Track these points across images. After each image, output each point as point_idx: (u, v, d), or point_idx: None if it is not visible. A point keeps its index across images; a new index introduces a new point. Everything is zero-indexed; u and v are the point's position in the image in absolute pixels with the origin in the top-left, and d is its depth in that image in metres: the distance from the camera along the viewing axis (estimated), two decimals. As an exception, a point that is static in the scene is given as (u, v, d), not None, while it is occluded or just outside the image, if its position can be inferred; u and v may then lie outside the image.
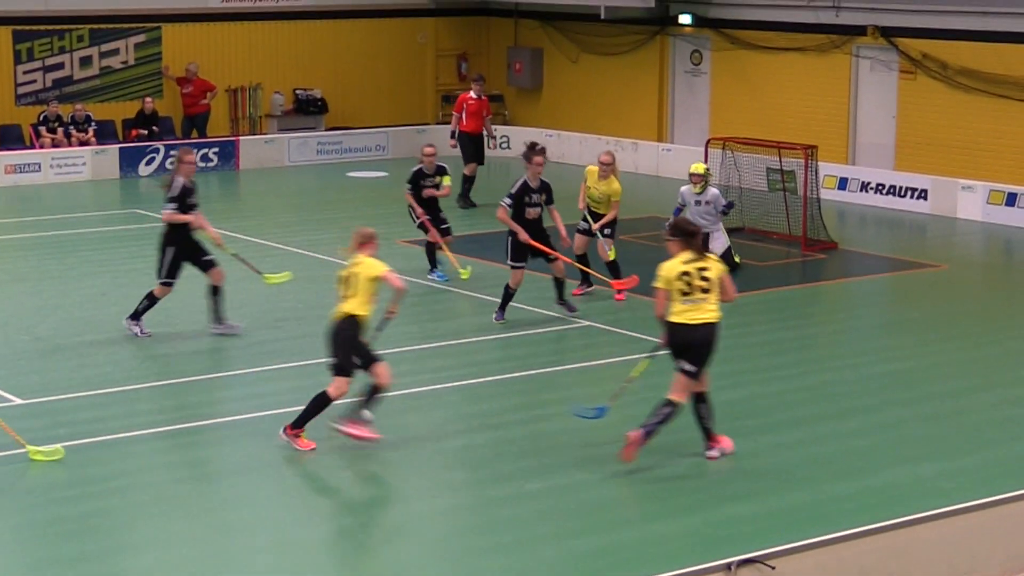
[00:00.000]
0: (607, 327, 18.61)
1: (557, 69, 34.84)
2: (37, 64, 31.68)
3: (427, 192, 21.52)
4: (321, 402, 14.03)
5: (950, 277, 22.40)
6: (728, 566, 11.28)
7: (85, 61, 32.18)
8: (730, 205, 21.90)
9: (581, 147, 32.40)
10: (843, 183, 28.73)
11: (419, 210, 21.36)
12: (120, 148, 31.20)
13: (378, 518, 12.70)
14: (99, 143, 31.22)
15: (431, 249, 21.57)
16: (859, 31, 29.11)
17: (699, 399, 13.81)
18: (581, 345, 17.47)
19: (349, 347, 14.05)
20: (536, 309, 19.36)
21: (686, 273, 13.46)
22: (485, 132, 27.92)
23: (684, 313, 13.45)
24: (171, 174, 18.94)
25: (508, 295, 18.70)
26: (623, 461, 13.44)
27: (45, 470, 13.57)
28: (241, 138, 32.75)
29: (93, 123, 31.41)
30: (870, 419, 15.15)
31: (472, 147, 28.21)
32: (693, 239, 13.64)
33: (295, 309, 19.57)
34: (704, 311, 13.49)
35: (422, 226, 21.45)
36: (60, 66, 31.94)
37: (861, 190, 28.53)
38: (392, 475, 13.69)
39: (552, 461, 13.92)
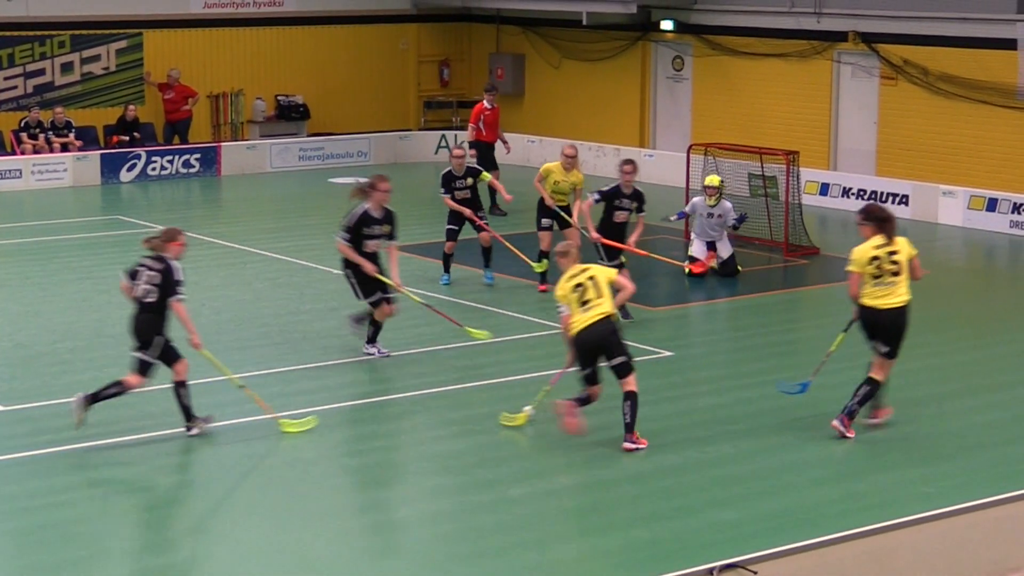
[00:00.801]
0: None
1: (539, 75, 34.87)
2: (18, 70, 31.62)
3: (459, 196, 21.33)
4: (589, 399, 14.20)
5: (931, 283, 22.39)
6: (711, 571, 11.30)
7: (66, 67, 32.13)
8: (742, 219, 22.19)
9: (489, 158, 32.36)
10: (824, 188, 28.79)
11: (467, 211, 21.21)
12: (101, 154, 31.15)
13: (360, 525, 12.68)
14: (81, 148, 31.15)
15: (463, 251, 21.81)
16: (840, 37, 29.17)
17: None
18: (563, 351, 17.41)
19: (620, 340, 14.12)
20: (517, 315, 19.36)
21: (876, 258, 14.23)
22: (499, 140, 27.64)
23: (875, 297, 14.29)
24: (357, 196, 17.25)
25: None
26: (844, 438, 14.34)
27: (23, 479, 13.53)
28: (223, 144, 32.72)
29: (73, 129, 31.34)
30: (852, 424, 15.14)
31: (493, 156, 28.06)
32: (886, 224, 14.33)
33: (278, 316, 19.55)
34: (894, 295, 14.36)
35: (477, 228, 21.37)
36: (41, 72, 31.88)
37: (842, 195, 28.59)
38: (374, 481, 13.68)
39: (535, 467, 13.92)
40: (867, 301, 14.33)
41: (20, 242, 24.59)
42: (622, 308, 16.53)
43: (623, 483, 13.44)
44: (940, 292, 21.82)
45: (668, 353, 17.63)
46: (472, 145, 27.71)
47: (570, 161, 21.11)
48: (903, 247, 14.38)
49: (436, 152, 34.67)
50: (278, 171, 32.83)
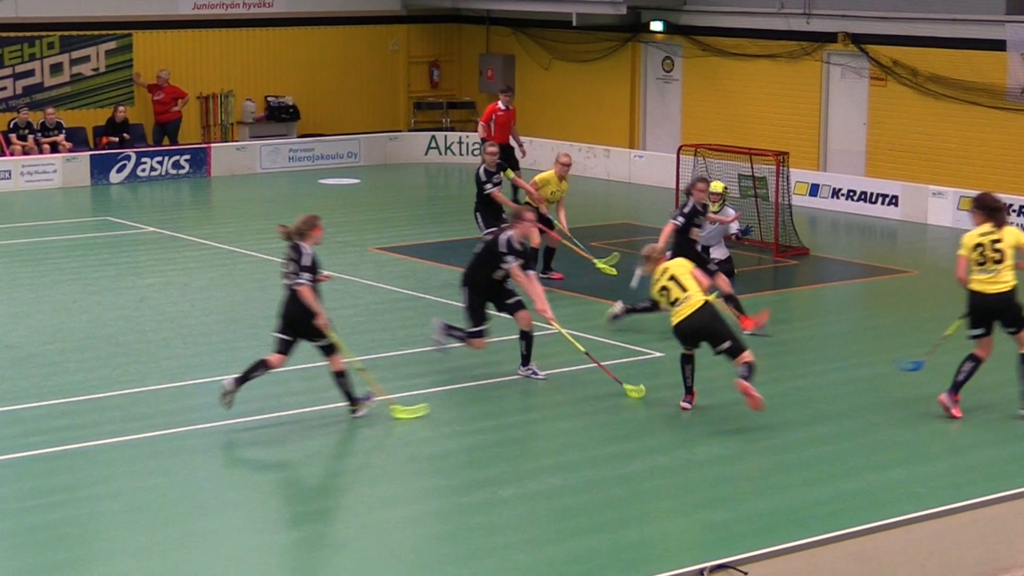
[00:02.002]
0: (579, 334, 18.61)
1: (529, 76, 34.86)
2: (7, 71, 31.58)
3: (488, 192, 21.33)
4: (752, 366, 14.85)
5: (921, 283, 22.47)
6: (701, 572, 11.30)
7: (56, 68, 32.08)
8: (746, 231, 21.95)
9: (553, 154, 32.32)
10: (814, 189, 28.81)
11: (511, 205, 21.22)
12: (91, 155, 31.11)
13: (349, 526, 12.67)
14: (70, 149, 31.12)
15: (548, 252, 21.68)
16: (830, 38, 29.20)
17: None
18: (553, 352, 17.44)
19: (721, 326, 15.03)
20: (507, 316, 19.33)
21: (980, 245, 15.04)
22: (514, 142, 27.48)
23: (980, 282, 15.14)
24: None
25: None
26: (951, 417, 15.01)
27: (13, 480, 13.52)
28: (213, 145, 32.68)
29: (63, 130, 31.32)
30: (842, 425, 15.19)
31: (503, 158, 27.94)
32: (995, 213, 15.18)
33: (268, 317, 19.50)
34: (998, 281, 15.07)
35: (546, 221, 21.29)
36: (31, 73, 31.83)
37: (832, 196, 28.62)
38: (364, 482, 13.67)
39: (525, 467, 13.93)
40: (975, 286, 15.27)
41: (9, 243, 24.56)
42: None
43: (613, 484, 13.44)
44: (929, 293, 21.85)
45: (658, 354, 17.63)
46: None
47: (565, 169, 21.53)
48: (1008, 236, 15.10)
49: (426, 153, 34.67)
50: (268, 172, 32.81)
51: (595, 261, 21.52)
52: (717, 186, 21.86)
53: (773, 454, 14.29)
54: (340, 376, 15.09)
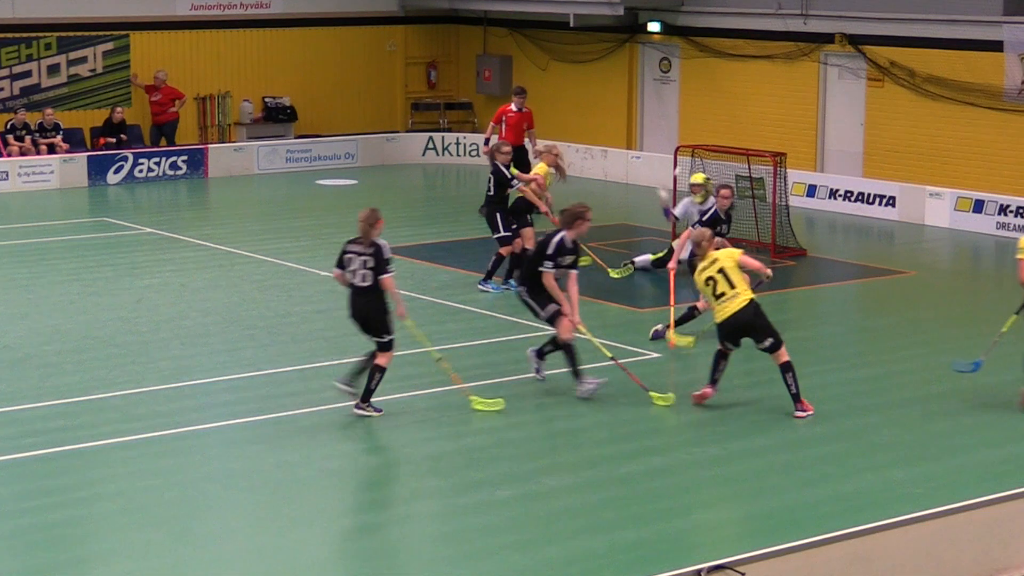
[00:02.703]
0: (577, 335, 18.61)
1: (526, 77, 34.81)
2: (4, 72, 31.56)
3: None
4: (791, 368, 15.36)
5: (918, 284, 22.48)
6: (698, 572, 11.30)
7: (53, 69, 32.07)
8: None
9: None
10: (812, 190, 28.81)
11: (543, 207, 21.32)
12: (88, 156, 31.09)
13: (346, 527, 12.67)
14: (67, 150, 31.11)
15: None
16: (827, 39, 29.20)
17: None
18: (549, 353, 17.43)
19: (765, 322, 15.37)
20: (506, 317, 19.36)
21: None
22: (529, 144, 27.45)
23: None
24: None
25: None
26: None
27: (11, 482, 13.52)
28: (210, 146, 32.67)
29: (61, 131, 31.31)
30: (839, 425, 15.19)
31: (514, 159, 27.96)
32: None
33: (266, 318, 19.53)
34: None
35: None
36: (28, 74, 31.81)
37: (830, 197, 28.62)
38: (361, 483, 13.67)
39: (522, 468, 13.92)
40: None
41: (7, 244, 24.54)
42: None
43: (610, 485, 13.44)
44: (927, 293, 21.87)
45: (655, 355, 17.63)
46: (487, 143, 27.57)
47: (557, 157, 21.84)
48: None
49: (423, 154, 34.67)
50: (265, 173, 32.80)
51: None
52: (698, 177, 21.84)
53: (770, 455, 14.29)
54: (378, 371, 15.23)
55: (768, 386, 16.31)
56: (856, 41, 28.81)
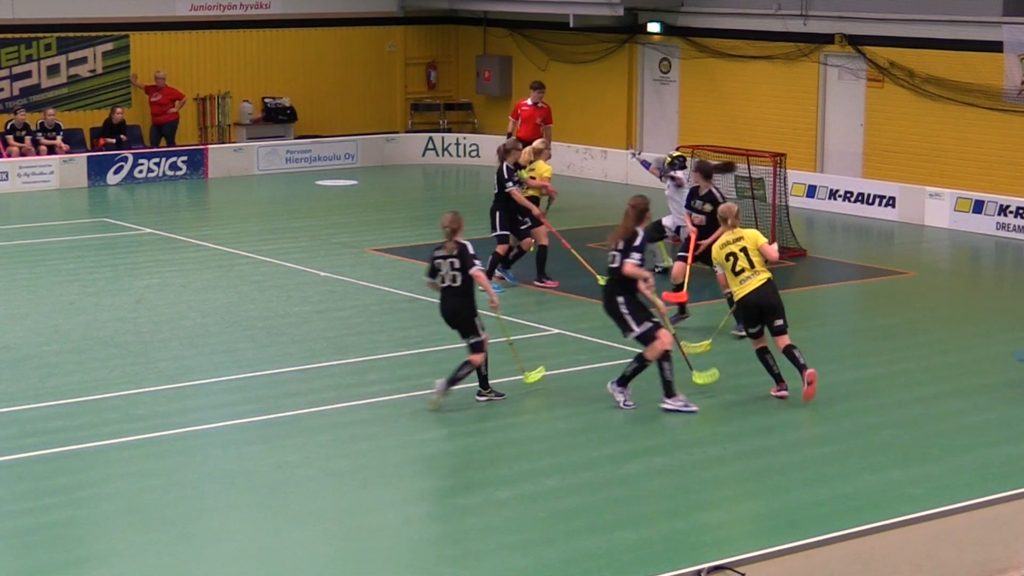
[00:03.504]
0: (576, 335, 18.63)
1: (526, 77, 34.78)
2: (4, 72, 31.55)
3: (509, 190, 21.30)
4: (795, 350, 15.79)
5: (918, 284, 22.48)
6: (698, 573, 11.30)
7: (53, 69, 32.07)
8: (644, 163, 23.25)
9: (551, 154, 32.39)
10: (812, 191, 28.81)
11: (536, 210, 21.52)
12: (88, 157, 31.09)
13: (346, 527, 12.67)
14: (67, 151, 31.11)
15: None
16: (827, 39, 29.21)
17: None
18: (550, 353, 17.45)
19: (781, 302, 15.90)
20: (508, 318, 19.34)
21: None
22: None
23: None
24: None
25: None
26: None
27: (10, 482, 13.52)
28: (210, 147, 32.67)
29: (61, 131, 31.31)
30: (839, 425, 15.20)
31: None
32: None
33: (265, 318, 19.54)
34: None
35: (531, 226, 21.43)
36: (27, 74, 31.81)
37: (829, 198, 28.62)
38: (360, 483, 13.67)
39: (522, 469, 13.93)
40: None
41: (7, 245, 24.54)
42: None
43: (611, 485, 13.45)
44: (927, 294, 21.87)
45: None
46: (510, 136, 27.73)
47: (549, 154, 22.57)
48: None
49: (423, 154, 34.67)
50: (265, 173, 32.80)
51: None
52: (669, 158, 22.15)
53: (770, 455, 14.29)
54: (468, 366, 15.63)
55: (767, 386, 16.30)
56: (856, 42, 28.81)
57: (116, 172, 31.17)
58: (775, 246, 16.33)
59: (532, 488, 13.37)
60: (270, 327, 19.05)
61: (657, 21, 32.02)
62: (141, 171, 31.38)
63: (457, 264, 15.49)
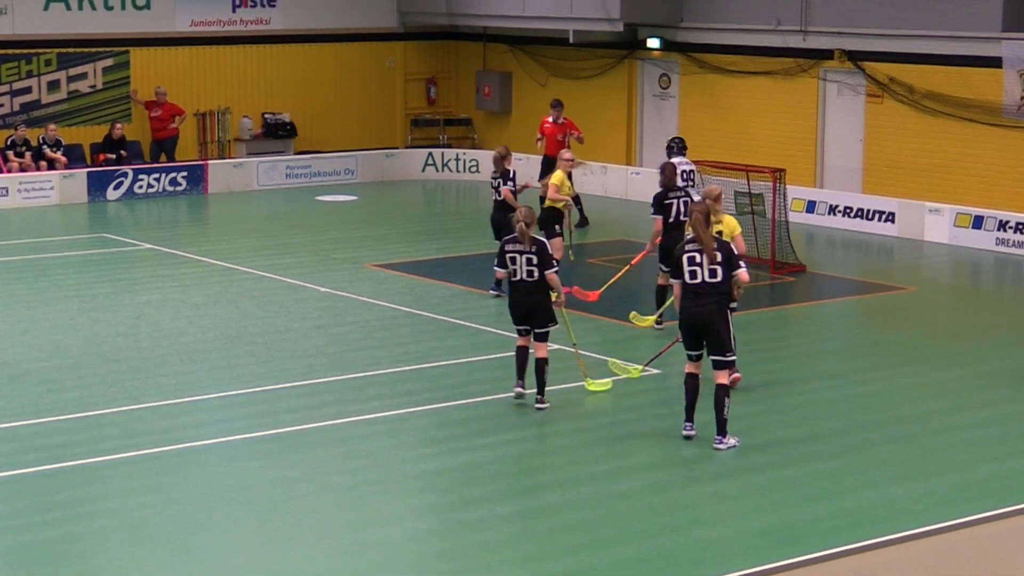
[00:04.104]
0: (585, 353, 18.62)
1: (526, 93, 34.91)
2: (4, 88, 31.59)
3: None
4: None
5: (918, 300, 22.48)
6: (698, 589, 11.29)
7: (53, 85, 32.11)
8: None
9: (549, 170, 32.40)
10: (811, 206, 28.83)
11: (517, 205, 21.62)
12: (88, 172, 31.11)
13: (346, 543, 12.66)
14: (67, 166, 31.14)
15: None
16: (826, 55, 29.24)
17: None
18: (551, 368, 17.43)
19: None
20: (504, 332, 19.34)
21: None
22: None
23: None
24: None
25: None
26: None
27: (10, 498, 13.51)
28: (210, 162, 32.70)
29: (62, 146, 31.34)
30: (839, 441, 15.19)
31: (549, 169, 28.24)
32: None
33: (265, 333, 19.53)
34: None
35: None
36: (28, 90, 31.86)
37: (829, 213, 28.63)
38: (360, 499, 13.66)
39: (522, 484, 13.93)
40: None
41: (7, 260, 24.55)
42: None
43: (610, 501, 13.43)
44: (926, 310, 21.86)
45: (655, 371, 17.62)
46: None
47: (571, 164, 22.63)
48: None
49: (423, 170, 34.69)
50: (265, 189, 32.82)
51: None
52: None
53: (770, 471, 14.28)
54: (544, 363, 16.06)
55: (767, 401, 16.31)
56: (855, 57, 28.85)
57: (116, 188, 31.19)
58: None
59: (532, 503, 13.36)
60: (270, 342, 19.05)
61: (657, 37, 32.07)
62: (141, 187, 31.40)
63: (535, 260, 15.90)
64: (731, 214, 24.48)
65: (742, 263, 14.96)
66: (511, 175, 21.79)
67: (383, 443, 15.09)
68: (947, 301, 23.00)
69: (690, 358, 14.90)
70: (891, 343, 19.63)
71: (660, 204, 19.47)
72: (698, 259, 14.71)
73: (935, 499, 13.48)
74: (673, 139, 23.48)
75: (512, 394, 16.24)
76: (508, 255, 16.00)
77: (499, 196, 21.72)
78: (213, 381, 17.30)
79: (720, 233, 16.31)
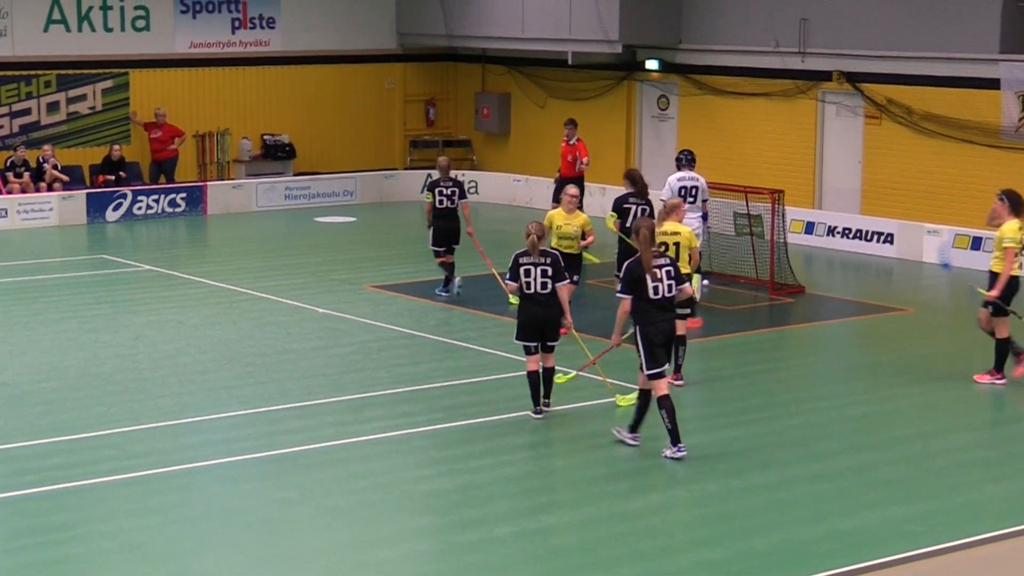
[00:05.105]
0: (583, 374, 18.60)
1: (525, 114, 34.96)
2: (4, 109, 31.62)
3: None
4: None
5: (916, 321, 22.48)
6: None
7: (52, 107, 32.14)
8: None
9: (549, 192, 32.41)
10: (810, 227, 28.85)
11: (470, 228, 22.92)
12: (87, 194, 31.13)
13: (345, 564, 12.64)
14: (67, 187, 31.15)
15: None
16: (824, 76, 29.28)
17: None
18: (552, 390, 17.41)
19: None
20: (503, 354, 19.34)
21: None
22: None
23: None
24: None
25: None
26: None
27: (5, 519, 13.49)
28: (209, 183, 32.72)
29: (59, 168, 31.35)
30: (838, 462, 15.17)
31: (560, 189, 28.50)
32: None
33: (264, 355, 19.53)
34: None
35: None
36: (27, 111, 31.89)
37: (828, 234, 28.66)
38: (359, 520, 13.64)
39: (521, 506, 13.90)
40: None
41: (6, 281, 24.56)
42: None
43: (609, 521, 13.42)
44: (925, 331, 21.86)
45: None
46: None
47: (572, 201, 19.94)
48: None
49: (422, 191, 34.65)
50: (264, 210, 32.85)
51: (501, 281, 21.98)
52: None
53: (769, 492, 14.27)
54: (551, 370, 16.25)
55: (765, 422, 16.30)
56: (854, 79, 28.89)
57: (115, 209, 31.21)
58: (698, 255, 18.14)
59: (531, 525, 13.35)
60: (268, 363, 19.04)
61: (655, 58, 32.12)
62: (140, 208, 31.43)
63: (550, 272, 15.96)
64: (730, 236, 24.66)
65: (687, 280, 15.88)
66: (463, 187, 23.09)
67: (382, 464, 15.07)
68: (946, 322, 22.99)
69: (663, 375, 15.12)
70: (889, 364, 19.62)
71: (619, 207, 20.67)
72: (659, 275, 15.06)
73: (934, 520, 13.47)
74: (682, 152, 23.74)
75: (538, 418, 16.24)
76: (523, 267, 16.04)
77: (452, 204, 22.90)
78: (212, 402, 17.29)
79: (678, 244, 17.25)
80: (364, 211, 32.90)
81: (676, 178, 23.17)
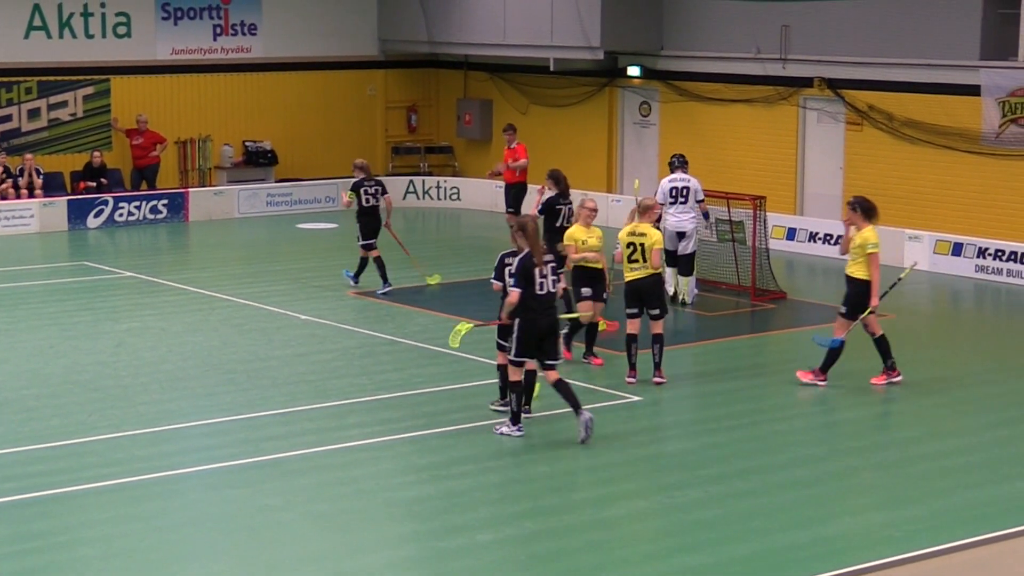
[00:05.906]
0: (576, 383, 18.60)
1: (507, 121, 34.88)
2: (-16, 116, 31.58)
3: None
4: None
5: (897, 326, 22.49)
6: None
7: (33, 113, 32.07)
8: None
9: (529, 198, 32.42)
10: (791, 233, 28.90)
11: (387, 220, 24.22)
12: (68, 200, 31.08)
13: (327, 571, 12.62)
14: (47, 195, 31.08)
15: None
16: (806, 83, 29.34)
17: None
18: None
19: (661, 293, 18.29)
20: (485, 360, 19.34)
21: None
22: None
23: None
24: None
25: None
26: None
27: (-9, 525, 13.48)
28: (190, 190, 32.68)
29: (42, 174, 31.29)
30: (820, 468, 15.20)
31: (509, 196, 29.03)
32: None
33: (245, 361, 19.50)
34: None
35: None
36: (8, 118, 31.82)
37: (809, 240, 28.70)
38: (341, 527, 13.63)
39: (503, 512, 13.90)
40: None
41: (-14, 288, 24.50)
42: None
43: (592, 528, 13.42)
44: (906, 336, 21.89)
45: (636, 398, 17.64)
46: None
47: (592, 216, 18.99)
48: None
49: (404, 198, 34.69)
50: (246, 217, 32.81)
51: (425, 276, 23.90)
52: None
53: (752, 498, 14.28)
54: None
55: (748, 428, 16.31)
56: (835, 85, 28.95)
57: (96, 215, 31.16)
58: (661, 256, 18.63)
59: (513, 531, 13.34)
60: (250, 370, 19.02)
61: (637, 65, 32.16)
62: (122, 214, 31.38)
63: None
64: (711, 242, 24.69)
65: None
66: (384, 185, 24.67)
67: (364, 471, 15.06)
68: (927, 328, 23.05)
69: (523, 363, 15.92)
70: (871, 370, 19.64)
71: (551, 209, 20.99)
72: (544, 271, 15.52)
73: (916, 526, 13.49)
74: (674, 155, 23.94)
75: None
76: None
77: (376, 201, 24.62)
78: (193, 409, 17.26)
79: (643, 245, 17.90)
80: (346, 217, 32.85)
81: (667, 180, 23.46)
